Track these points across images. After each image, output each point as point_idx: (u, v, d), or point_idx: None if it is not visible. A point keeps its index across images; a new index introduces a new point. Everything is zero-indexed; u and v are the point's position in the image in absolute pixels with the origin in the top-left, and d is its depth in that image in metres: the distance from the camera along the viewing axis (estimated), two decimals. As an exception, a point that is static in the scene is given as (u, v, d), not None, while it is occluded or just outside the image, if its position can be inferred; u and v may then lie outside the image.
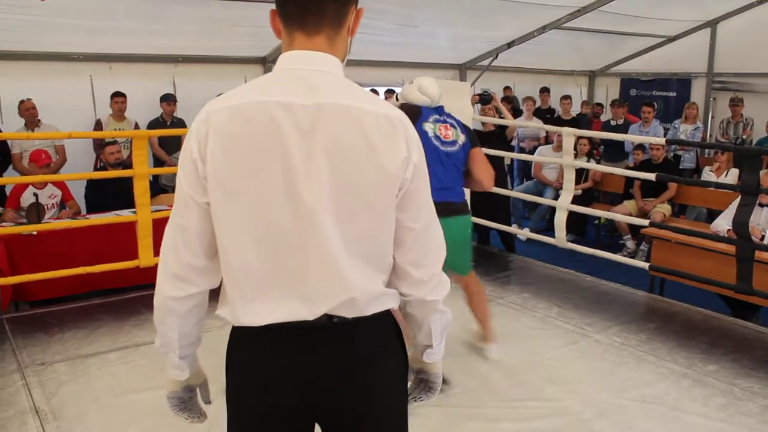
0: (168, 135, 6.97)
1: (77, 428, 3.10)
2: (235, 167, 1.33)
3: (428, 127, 3.46)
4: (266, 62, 8.36)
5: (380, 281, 1.45)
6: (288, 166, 1.33)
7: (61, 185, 5.85)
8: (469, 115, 6.29)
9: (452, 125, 3.55)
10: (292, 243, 1.36)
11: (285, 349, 1.42)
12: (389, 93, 8.66)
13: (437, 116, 3.55)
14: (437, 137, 3.44)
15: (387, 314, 1.49)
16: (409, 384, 1.68)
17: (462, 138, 3.54)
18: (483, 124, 6.72)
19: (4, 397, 3.41)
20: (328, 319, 1.40)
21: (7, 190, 6.10)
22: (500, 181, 6.58)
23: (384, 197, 1.39)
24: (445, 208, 2.69)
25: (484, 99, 6.79)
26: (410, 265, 1.47)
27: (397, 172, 1.37)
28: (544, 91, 10.00)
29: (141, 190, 4.80)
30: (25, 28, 6.31)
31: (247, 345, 1.45)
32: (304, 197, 1.33)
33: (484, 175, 3.64)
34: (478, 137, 4.19)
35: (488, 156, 6.23)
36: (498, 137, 6.60)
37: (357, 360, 1.44)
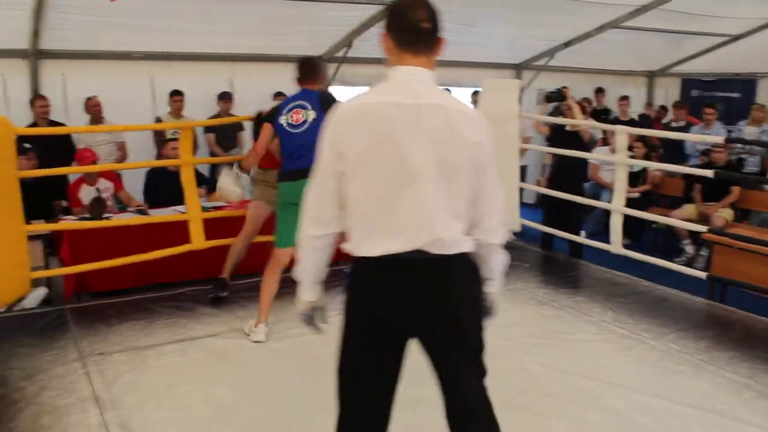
0: (218, 124, 7.12)
1: (134, 417, 3.18)
2: (363, 146, 1.92)
3: (282, 120, 4.14)
4: (322, 61, 8.41)
5: (460, 229, 1.99)
6: (399, 145, 1.90)
7: (112, 177, 6.01)
8: (514, 112, 6.17)
9: (302, 107, 4.16)
10: (401, 197, 1.92)
11: (389, 274, 1.97)
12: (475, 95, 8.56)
13: (292, 104, 4.19)
14: (289, 124, 4.12)
15: (465, 255, 2.02)
16: None
17: (312, 114, 4.13)
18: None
19: (67, 385, 3.52)
20: (419, 253, 1.93)
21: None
22: (577, 187, 6.38)
23: (465, 168, 1.96)
24: (294, 174, 3.97)
25: (549, 97, 6.60)
26: (482, 218, 2.04)
27: (472, 151, 1.96)
28: (599, 91, 9.81)
29: (187, 177, 4.99)
30: (91, 29, 6.52)
31: (363, 270, 2.02)
32: (410, 165, 1.90)
33: None
34: (557, 137, 5.71)
35: (565, 158, 6.08)
36: (572, 138, 6.25)
37: (439, 286, 1.98)
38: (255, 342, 4.12)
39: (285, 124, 4.14)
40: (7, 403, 3.30)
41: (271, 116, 4.27)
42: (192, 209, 4.98)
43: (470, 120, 1.98)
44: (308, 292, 2.21)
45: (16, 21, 6.15)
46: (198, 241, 4.95)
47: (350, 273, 2.05)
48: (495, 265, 2.16)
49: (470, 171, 1.96)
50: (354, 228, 2.00)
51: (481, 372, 2.13)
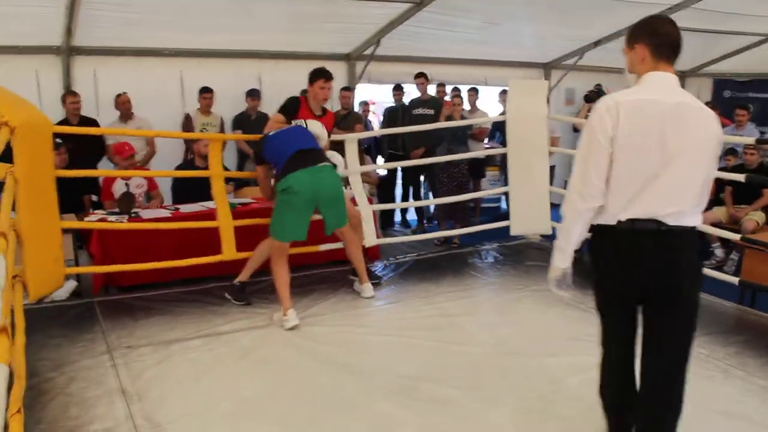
0: (250, 136, 7.11)
1: (159, 410, 3.22)
2: (632, 133, 2.35)
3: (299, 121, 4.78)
4: (350, 59, 8.43)
5: (696, 204, 2.43)
6: (661, 134, 2.34)
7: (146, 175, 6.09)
8: (543, 113, 6.12)
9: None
10: (658, 175, 2.36)
11: (636, 239, 2.39)
12: (472, 91, 8.52)
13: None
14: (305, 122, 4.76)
15: (694, 228, 2.45)
16: None
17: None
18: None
19: (95, 377, 3.57)
20: (660, 224, 2.37)
21: (100, 179, 6.41)
22: None
23: (707, 154, 2.42)
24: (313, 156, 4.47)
25: (588, 96, 6.48)
26: (705, 196, 2.47)
27: (713, 141, 2.43)
28: None
29: (217, 189, 5.04)
30: (122, 25, 6.59)
31: (613, 236, 2.44)
32: (669, 150, 2.34)
33: None
34: None
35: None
36: None
37: (672, 254, 2.40)
38: (290, 328, 4.28)
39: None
40: (37, 392, 3.35)
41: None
42: (223, 219, 5.03)
43: (711, 116, 2.44)
44: (564, 260, 2.57)
45: (50, 18, 6.25)
46: (229, 252, 5.01)
47: (597, 240, 2.51)
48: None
49: (709, 157, 2.43)
50: (612, 200, 2.42)
51: (692, 334, 2.51)
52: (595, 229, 2.50)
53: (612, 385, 2.70)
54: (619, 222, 2.41)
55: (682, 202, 2.39)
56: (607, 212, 2.44)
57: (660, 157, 2.36)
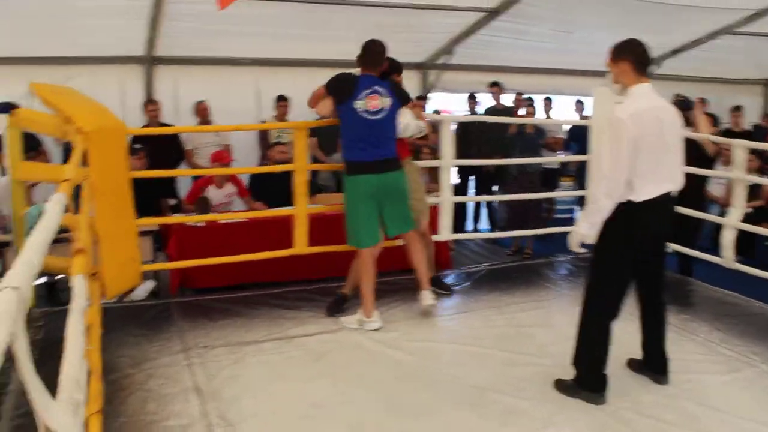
0: (326, 126, 7.19)
1: (233, 409, 3.29)
2: (647, 133, 3.10)
3: (359, 105, 4.24)
4: (423, 68, 8.44)
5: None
6: (662, 131, 3.17)
7: (236, 182, 6.23)
8: None
9: (379, 93, 4.30)
10: (664, 162, 3.20)
11: (655, 209, 3.22)
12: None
13: (367, 90, 4.28)
14: (366, 111, 4.25)
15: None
16: None
17: (388, 101, 4.32)
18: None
19: (171, 374, 3.68)
20: (669, 195, 3.27)
21: (178, 183, 6.63)
22: (699, 202, 6.00)
23: (680, 142, 3.36)
24: (378, 165, 4.28)
25: (680, 105, 6.27)
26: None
27: (681, 132, 3.42)
28: (701, 101, 9.30)
29: (299, 181, 5.03)
30: (202, 36, 6.81)
31: (638, 209, 3.18)
32: (666, 143, 3.21)
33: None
34: None
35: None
36: (694, 152, 5.60)
37: (671, 216, 3.39)
38: (373, 329, 4.39)
39: (362, 111, 4.26)
40: (117, 388, 3.48)
41: (340, 93, 4.32)
42: (299, 209, 5.04)
43: (677, 114, 3.34)
44: (592, 229, 3.25)
45: (134, 30, 6.51)
46: (301, 246, 5.04)
47: (622, 212, 3.17)
48: None
49: (680, 143, 3.35)
50: (635, 183, 3.13)
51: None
52: (623, 204, 3.17)
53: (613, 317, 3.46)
54: (646, 199, 3.15)
55: (680, 179, 3.32)
56: (632, 191, 3.15)
57: (664, 149, 3.18)
